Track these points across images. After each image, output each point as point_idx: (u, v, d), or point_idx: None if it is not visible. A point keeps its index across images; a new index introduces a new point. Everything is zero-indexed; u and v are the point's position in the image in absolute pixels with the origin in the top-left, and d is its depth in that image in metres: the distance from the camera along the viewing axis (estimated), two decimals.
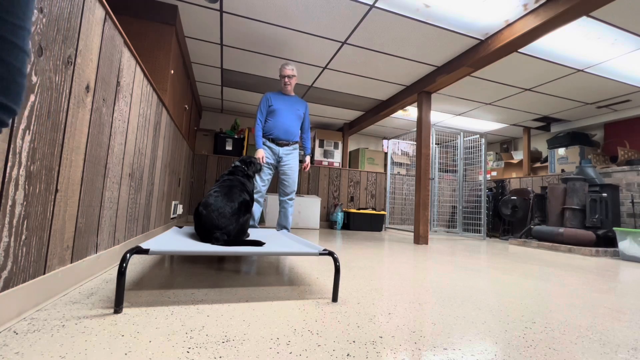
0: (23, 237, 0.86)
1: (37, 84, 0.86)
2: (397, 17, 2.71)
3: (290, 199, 2.90)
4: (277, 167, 2.89)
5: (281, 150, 2.84)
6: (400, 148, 6.36)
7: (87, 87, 1.15)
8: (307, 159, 3.04)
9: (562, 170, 4.97)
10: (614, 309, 1.38)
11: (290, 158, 2.88)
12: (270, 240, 1.79)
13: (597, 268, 2.56)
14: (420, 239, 3.68)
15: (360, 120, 5.66)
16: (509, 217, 5.11)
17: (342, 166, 5.90)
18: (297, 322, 1.00)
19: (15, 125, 0.79)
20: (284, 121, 2.84)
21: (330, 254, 1.32)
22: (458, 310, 1.23)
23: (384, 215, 5.35)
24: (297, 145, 2.94)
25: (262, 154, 2.75)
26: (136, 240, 1.96)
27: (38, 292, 0.95)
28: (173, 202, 3.30)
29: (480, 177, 5.25)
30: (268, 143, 2.83)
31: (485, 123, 5.64)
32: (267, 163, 2.80)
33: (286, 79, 2.86)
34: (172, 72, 2.76)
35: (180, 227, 2.09)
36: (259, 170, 2.18)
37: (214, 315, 1.01)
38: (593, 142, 5.18)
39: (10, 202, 0.80)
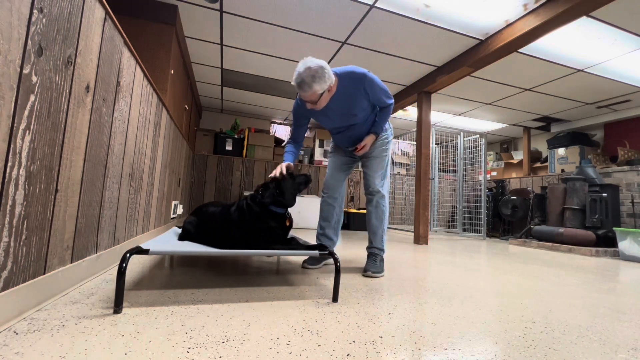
0: (23, 237, 0.86)
1: (37, 84, 0.86)
2: (397, 17, 2.71)
3: None
4: None
5: None
6: (400, 148, 6.36)
7: (87, 87, 1.15)
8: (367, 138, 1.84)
9: (562, 170, 4.97)
10: (614, 309, 1.38)
11: None
12: None
13: (597, 268, 2.56)
14: (420, 238, 3.68)
15: None
16: (509, 217, 5.10)
17: None
18: (297, 322, 1.00)
19: (15, 125, 0.79)
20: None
21: (331, 254, 1.32)
22: (458, 310, 1.23)
23: None
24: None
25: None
26: (136, 240, 1.96)
27: (38, 292, 0.95)
28: (173, 202, 3.30)
29: (480, 177, 5.25)
30: None
31: (485, 123, 5.64)
32: None
33: (308, 105, 1.66)
34: (172, 72, 2.76)
35: (180, 227, 2.09)
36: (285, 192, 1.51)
37: (214, 315, 1.01)
38: (593, 142, 5.18)
39: (10, 202, 0.80)
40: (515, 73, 3.63)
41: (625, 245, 3.28)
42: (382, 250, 1.88)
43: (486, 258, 2.78)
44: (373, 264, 1.80)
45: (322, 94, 1.56)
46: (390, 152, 2.02)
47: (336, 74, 1.64)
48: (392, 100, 1.81)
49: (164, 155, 2.55)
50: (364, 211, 5.18)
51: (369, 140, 1.83)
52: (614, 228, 3.46)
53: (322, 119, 1.81)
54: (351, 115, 1.75)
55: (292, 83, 1.59)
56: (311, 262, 1.87)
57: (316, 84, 1.50)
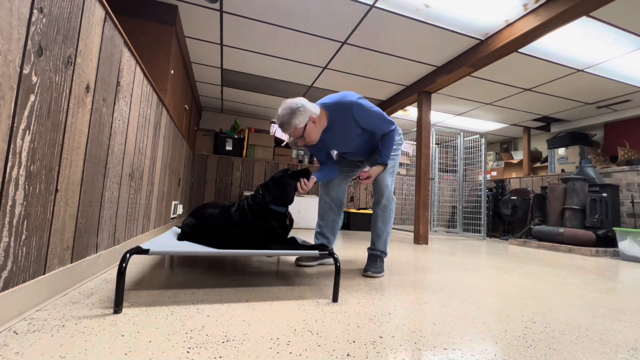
0: (23, 237, 0.86)
1: (37, 84, 0.86)
2: (397, 17, 2.71)
3: None
4: None
5: None
6: (400, 148, 6.36)
7: (87, 87, 1.15)
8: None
9: (562, 170, 4.97)
10: (614, 309, 1.38)
11: None
12: None
13: (597, 268, 2.56)
14: (420, 238, 3.68)
15: None
16: (509, 217, 5.10)
17: None
18: (297, 322, 1.00)
19: (15, 125, 0.79)
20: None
21: (331, 253, 1.33)
22: (458, 310, 1.23)
23: None
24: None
25: None
26: (136, 240, 1.96)
27: (38, 292, 0.95)
28: (173, 202, 3.30)
29: (480, 177, 5.25)
30: None
31: (485, 123, 5.64)
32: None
33: (299, 141, 1.70)
34: (172, 72, 2.76)
35: (180, 227, 2.08)
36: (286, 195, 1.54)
37: (214, 315, 1.01)
38: (593, 142, 5.18)
39: (10, 202, 0.80)
40: (515, 73, 3.63)
41: (625, 245, 3.28)
42: (384, 253, 1.88)
43: (486, 258, 2.78)
44: (373, 264, 1.80)
45: (305, 127, 1.59)
46: (400, 154, 2.06)
47: (325, 106, 1.66)
48: (394, 126, 1.79)
49: (164, 155, 2.55)
50: (364, 211, 5.18)
51: (374, 172, 1.78)
52: (614, 228, 3.46)
53: (326, 145, 1.85)
54: (349, 141, 1.80)
55: (277, 126, 1.65)
56: (306, 259, 1.88)
57: (294, 119, 1.55)
